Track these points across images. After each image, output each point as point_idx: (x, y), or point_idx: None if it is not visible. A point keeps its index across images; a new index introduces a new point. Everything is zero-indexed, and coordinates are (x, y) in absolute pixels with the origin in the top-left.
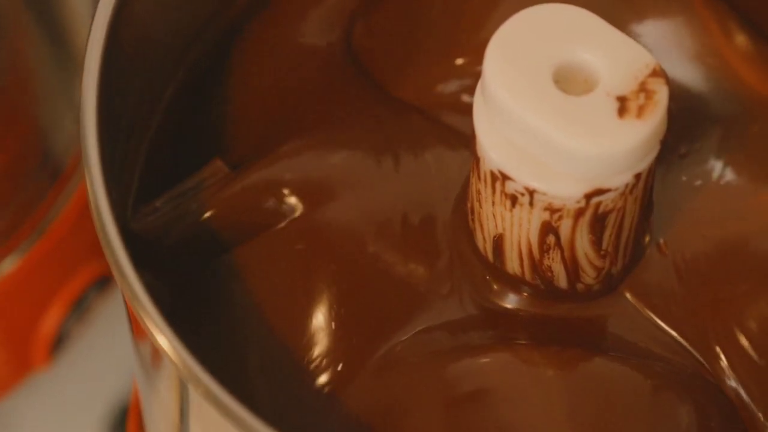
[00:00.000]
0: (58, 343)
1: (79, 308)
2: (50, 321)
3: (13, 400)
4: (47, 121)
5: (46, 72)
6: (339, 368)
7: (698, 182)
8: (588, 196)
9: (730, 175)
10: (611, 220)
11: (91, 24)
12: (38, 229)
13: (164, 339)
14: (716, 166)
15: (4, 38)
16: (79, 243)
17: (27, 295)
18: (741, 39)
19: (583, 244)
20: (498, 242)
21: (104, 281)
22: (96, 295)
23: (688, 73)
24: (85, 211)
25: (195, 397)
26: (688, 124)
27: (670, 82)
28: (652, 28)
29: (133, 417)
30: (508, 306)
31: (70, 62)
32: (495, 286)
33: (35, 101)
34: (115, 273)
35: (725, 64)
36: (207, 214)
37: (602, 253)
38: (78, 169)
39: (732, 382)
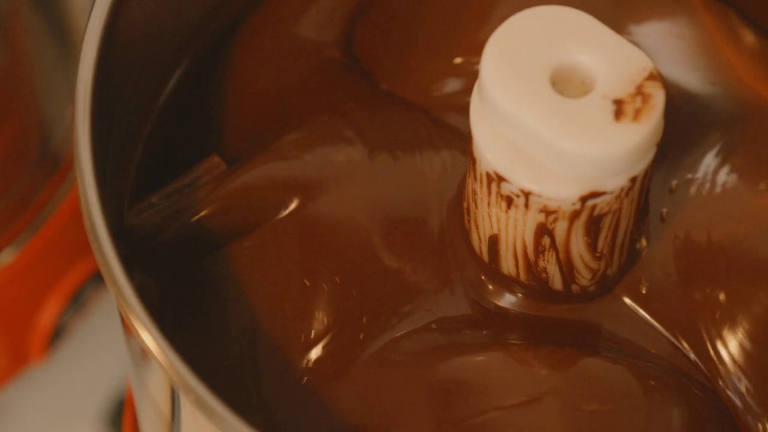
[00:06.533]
0: (56, 336)
1: (77, 301)
2: (47, 314)
3: (10, 393)
4: (46, 112)
5: (46, 64)
6: (331, 365)
7: (696, 184)
8: (583, 199)
9: (728, 177)
10: (607, 223)
11: (88, 17)
12: (36, 222)
13: (151, 339)
14: (715, 168)
15: (3, 29)
16: (77, 236)
17: (24, 288)
18: (741, 39)
19: (579, 246)
20: (493, 243)
21: (102, 275)
22: (93, 288)
23: (688, 74)
24: None
25: (183, 395)
26: (687, 125)
27: (670, 84)
28: (652, 29)
29: (128, 410)
30: (503, 306)
31: (69, 54)
32: (490, 286)
33: (34, 93)
34: (104, 273)
35: (725, 64)
36: (203, 211)
37: (597, 255)
38: None
39: (726, 384)
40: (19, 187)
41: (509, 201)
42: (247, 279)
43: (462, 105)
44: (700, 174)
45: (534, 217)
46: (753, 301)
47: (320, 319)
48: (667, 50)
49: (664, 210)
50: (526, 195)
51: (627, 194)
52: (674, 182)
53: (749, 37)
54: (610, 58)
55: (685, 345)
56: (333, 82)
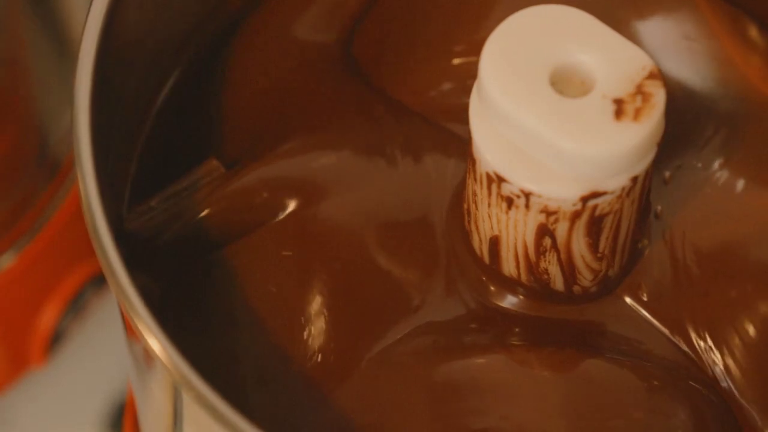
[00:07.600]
0: (55, 340)
1: (77, 305)
2: (47, 318)
3: (10, 398)
4: (45, 115)
5: (45, 66)
6: (331, 368)
7: (697, 183)
8: (584, 199)
9: (730, 177)
10: (608, 223)
11: (86, 17)
12: (35, 226)
13: (156, 342)
14: (716, 167)
15: (2, 32)
16: (77, 239)
17: (24, 292)
18: (745, 36)
19: (580, 247)
20: (494, 244)
21: (101, 278)
22: (93, 292)
23: (690, 72)
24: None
25: (187, 398)
26: (688, 123)
27: (672, 82)
28: (654, 27)
29: (129, 414)
30: (504, 307)
31: (68, 57)
32: (491, 288)
33: (33, 96)
34: (107, 275)
35: (728, 62)
36: (202, 214)
37: (599, 255)
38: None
39: (727, 384)
40: (18, 190)
41: (510, 202)
42: (247, 279)
43: (461, 106)
44: (699, 172)
45: (535, 218)
46: (753, 301)
47: (320, 320)
48: (670, 48)
49: (659, 207)
50: (527, 195)
51: (628, 194)
52: (667, 173)
53: (753, 35)
54: (610, 58)
55: (687, 345)
56: (332, 83)
